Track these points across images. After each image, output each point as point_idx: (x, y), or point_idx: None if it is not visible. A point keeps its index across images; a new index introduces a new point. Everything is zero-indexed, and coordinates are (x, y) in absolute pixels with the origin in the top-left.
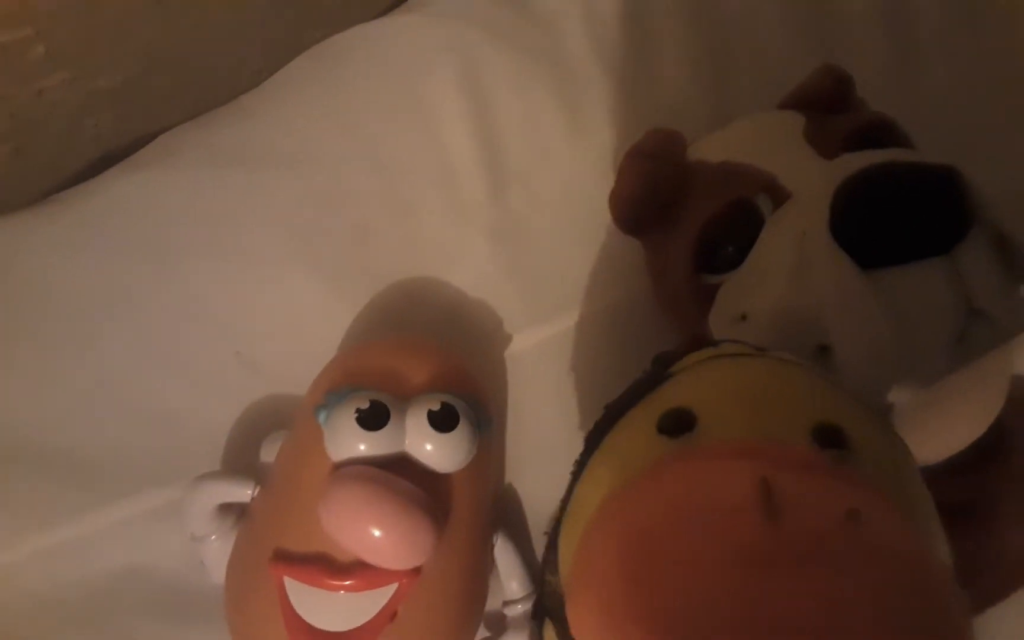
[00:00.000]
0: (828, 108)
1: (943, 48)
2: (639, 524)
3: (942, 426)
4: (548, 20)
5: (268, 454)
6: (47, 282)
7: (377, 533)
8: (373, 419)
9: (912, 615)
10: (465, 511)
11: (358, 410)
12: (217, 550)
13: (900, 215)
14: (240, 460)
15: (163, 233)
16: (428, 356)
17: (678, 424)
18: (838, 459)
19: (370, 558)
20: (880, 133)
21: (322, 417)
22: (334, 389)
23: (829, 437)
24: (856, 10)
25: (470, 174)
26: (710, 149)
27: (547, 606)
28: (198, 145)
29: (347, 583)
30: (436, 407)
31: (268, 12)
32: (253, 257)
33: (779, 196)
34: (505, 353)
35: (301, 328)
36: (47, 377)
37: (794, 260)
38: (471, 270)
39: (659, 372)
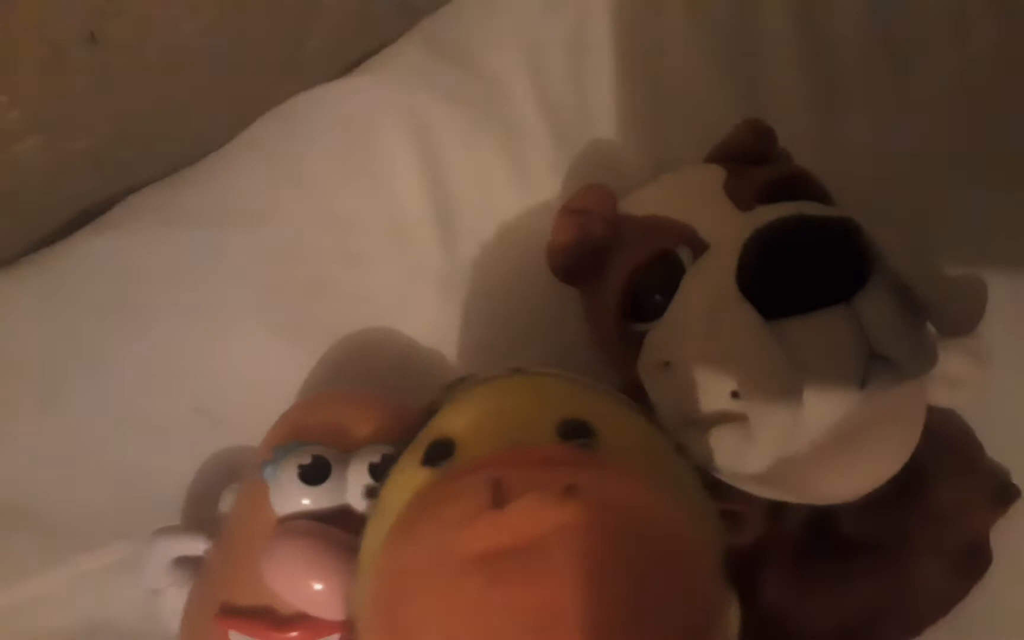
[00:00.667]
0: (751, 160)
1: (866, 98)
2: (398, 558)
3: (857, 465)
4: (495, 80)
5: (226, 505)
6: (16, 341)
7: (317, 586)
8: (315, 474)
9: (643, 564)
10: None
11: (300, 466)
12: (173, 603)
13: (803, 266)
14: (200, 512)
15: (129, 292)
16: (371, 408)
17: (439, 453)
18: (583, 446)
19: (311, 611)
20: (795, 185)
21: (267, 472)
22: (280, 444)
23: (574, 430)
24: (782, 61)
25: (421, 228)
26: (638, 203)
27: None
28: (163, 206)
29: (291, 635)
30: (377, 459)
31: (238, 72)
32: (214, 313)
33: (698, 248)
34: None
35: (259, 381)
36: (11, 434)
37: (707, 311)
38: (422, 320)
39: (430, 409)
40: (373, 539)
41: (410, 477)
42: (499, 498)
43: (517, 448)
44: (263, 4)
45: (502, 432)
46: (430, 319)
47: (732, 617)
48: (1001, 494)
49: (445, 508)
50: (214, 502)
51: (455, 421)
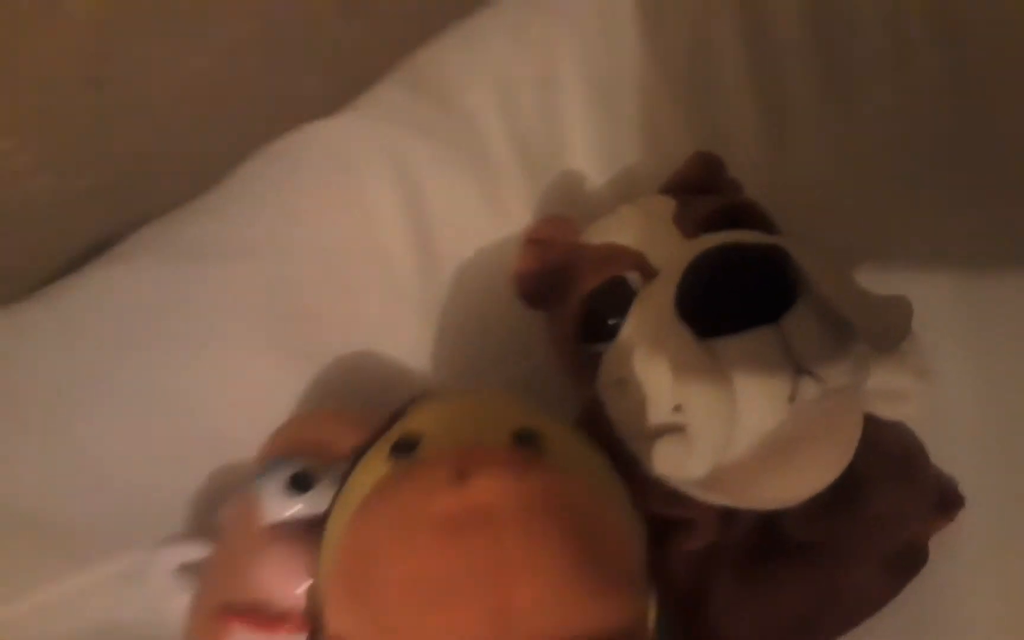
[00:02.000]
0: (702, 190)
1: (813, 128)
2: (364, 525)
3: (794, 473)
4: (468, 116)
5: (225, 516)
6: (33, 368)
7: (302, 587)
8: (301, 484)
9: (580, 537)
10: None
11: (288, 476)
12: (179, 606)
13: (733, 290)
14: (201, 523)
15: (134, 321)
16: (356, 426)
17: (405, 446)
18: (532, 453)
19: (300, 607)
20: (738, 214)
21: (259, 483)
22: (270, 458)
23: (526, 438)
24: (734, 94)
25: (402, 257)
26: (596, 232)
27: (313, 622)
28: (163, 241)
29: (283, 628)
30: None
31: (238, 109)
32: (213, 341)
33: (648, 273)
34: None
35: (255, 402)
36: (30, 453)
37: (651, 332)
38: (403, 343)
39: (396, 414)
40: (337, 522)
41: (376, 466)
42: (461, 475)
43: (476, 447)
44: (259, 45)
45: (464, 432)
46: (410, 342)
47: (652, 609)
48: (944, 503)
49: (410, 484)
50: (214, 513)
51: (421, 420)
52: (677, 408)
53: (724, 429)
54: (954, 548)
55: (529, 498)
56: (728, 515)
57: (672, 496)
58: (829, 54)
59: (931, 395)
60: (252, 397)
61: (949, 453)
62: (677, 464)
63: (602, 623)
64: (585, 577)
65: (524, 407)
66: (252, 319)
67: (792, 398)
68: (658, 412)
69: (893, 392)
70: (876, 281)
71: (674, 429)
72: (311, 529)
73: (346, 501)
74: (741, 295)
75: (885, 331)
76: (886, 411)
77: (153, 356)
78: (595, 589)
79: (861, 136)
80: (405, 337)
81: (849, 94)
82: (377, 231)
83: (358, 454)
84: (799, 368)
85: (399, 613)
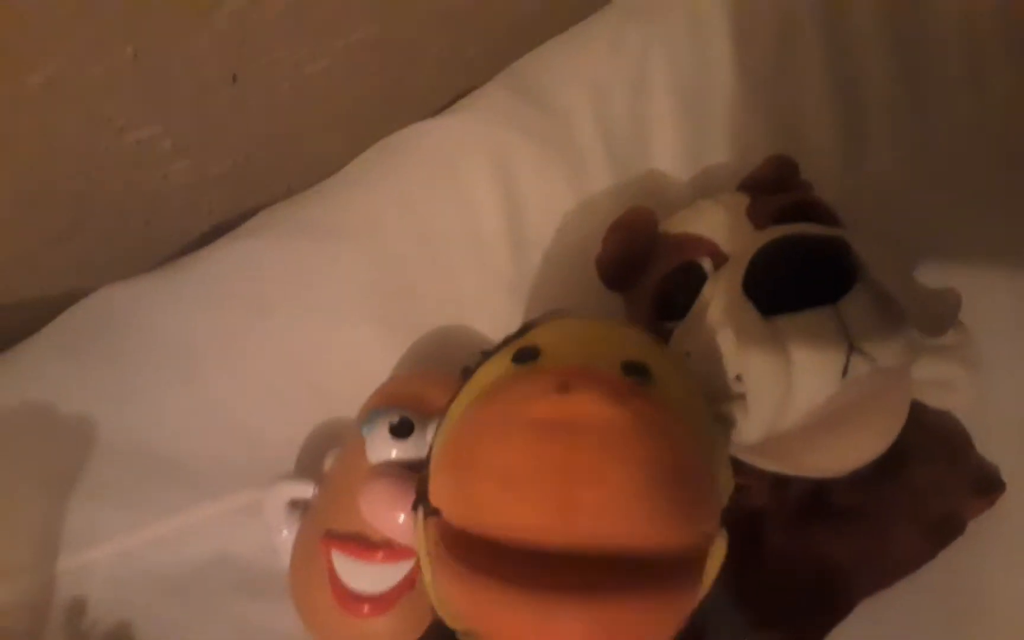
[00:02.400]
0: (775, 190)
1: (889, 135)
2: (475, 413)
3: (842, 444)
4: (563, 115)
5: (329, 464)
6: (168, 329)
7: (400, 518)
8: (402, 430)
9: (667, 471)
10: None
11: (390, 424)
12: (287, 538)
13: (796, 274)
14: (310, 468)
15: (260, 289)
16: (448, 384)
17: (526, 355)
18: (639, 382)
19: (396, 537)
20: (806, 210)
21: (364, 430)
22: (374, 409)
23: (635, 369)
24: (813, 104)
25: (496, 243)
26: (675, 223)
27: (419, 492)
28: (288, 220)
29: (379, 555)
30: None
31: (353, 107)
32: (326, 310)
33: (719, 259)
34: None
35: (360, 364)
36: (161, 397)
37: (719, 309)
38: (493, 321)
39: (526, 326)
40: (458, 405)
41: (499, 366)
42: (563, 388)
43: (587, 367)
44: (373, 50)
45: (579, 353)
46: (500, 320)
47: (717, 556)
48: (984, 485)
49: (519, 386)
50: (321, 460)
51: (544, 336)
52: (738, 378)
53: (779, 398)
54: (995, 532)
55: (619, 419)
56: (780, 482)
57: (733, 464)
58: (908, 69)
59: (978, 387)
60: (357, 360)
61: (994, 444)
62: (735, 429)
63: (662, 542)
64: (654, 497)
65: (642, 339)
66: (360, 292)
67: (844, 373)
68: (722, 382)
69: (942, 381)
70: (934, 279)
71: (735, 397)
72: (409, 471)
73: (467, 391)
74: (804, 279)
75: (934, 319)
76: (935, 399)
77: (273, 320)
78: (662, 510)
79: (935, 148)
80: (494, 314)
81: (925, 108)
82: (474, 218)
83: (487, 354)
84: (852, 346)
85: (484, 492)
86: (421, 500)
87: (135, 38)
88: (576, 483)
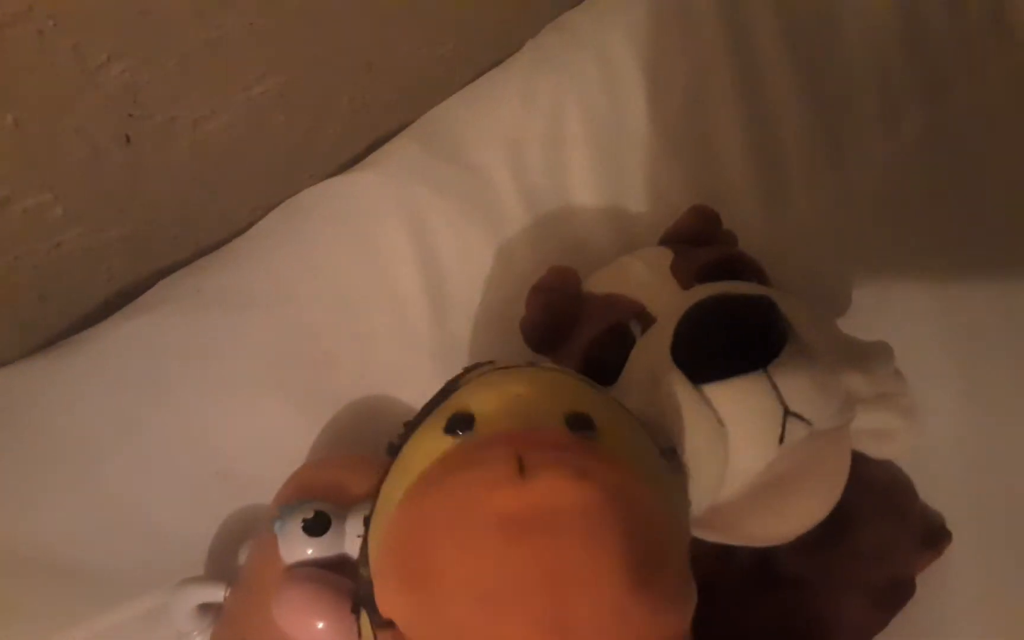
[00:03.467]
0: (698, 242)
1: (807, 183)
2: (423, 509)
3: (785, 510)
4: (479, 171)
5: (244, 557)
6: (62, 414)
7: (320, 625)
8: (317, 527)
9: (638, 543)
10: None
11: (304, 520)
12: None
13: (725, 338)
14: (220, 564)
15: (158, 369)
16: (368, 470)
17: (460, 424)
18: (586, 438)
19: None
20: (731, 265)
21: (276, 526)
22: (287, 502)
23: (580, 422)
24: (731, 152)
25: (416, 306)
26: (598, 282)
27: (362, 596)
28: (188, 291)
29: None
30: (372, 506)
31: (262, 163)
32: (234, 387)
33: (647, 321)
34: None
35: (273, 446)
36: (57, 496)
37: (647, 377)
38: (417, 389)
39: (448, 388)
40: (391, 491)
41: (432, 441)
42: (522, 470)
43: (531, 430)
44: (277, 102)
45: (518, 414)
46: (422, 387)
47: (692, 605)
48: (931, 538)
49: (471, 471)
50: (234, 554)
51: (474, 399)
52: (672, 450)
53: (717, 470)
54: (942, 582)
55: (590, 501)
56: (724, 552)
57: None
58: (821, 111)
59: (917, 434)
60: (270, 440)
61: (936, 489)
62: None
63: (659, 635)
64: (643, 588)
65: (577, 385)
66: (270, 365)
67: (782, 439)
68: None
69: (881, 431)
70: (866, 326)
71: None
72: (326, 571)
73: (399, 473)
74: (732, 343)
75: (868, 374)
76: (874, 449)
77: (176, 402)
78: (653, 602)
79: (855, 188)
80: (418, 382)
81: (839, 150)
82: (391, 280)
83: (412, 425)
84: (788, 411)
85: (458, 611)
86: (365, 604)
87: (14, 106)
88: (566, 592)
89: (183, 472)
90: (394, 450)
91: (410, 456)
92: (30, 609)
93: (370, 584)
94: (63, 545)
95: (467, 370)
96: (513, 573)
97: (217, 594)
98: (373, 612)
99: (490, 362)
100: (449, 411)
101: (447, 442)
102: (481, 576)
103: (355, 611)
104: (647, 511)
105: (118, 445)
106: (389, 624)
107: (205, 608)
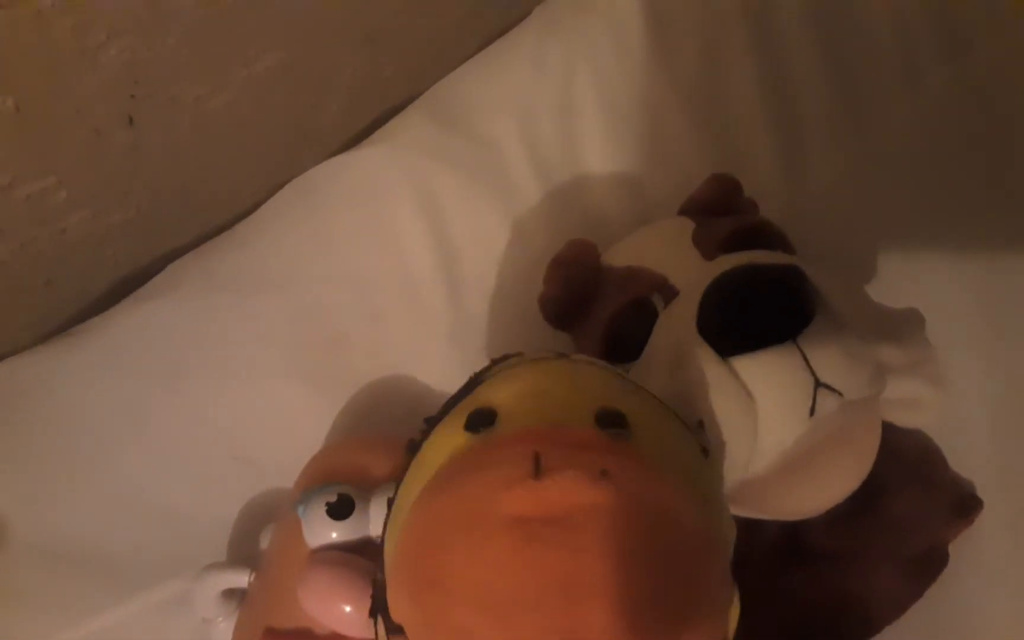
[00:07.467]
0: (719, 211)
1: (827, 144)
2: (434, 510)
3: (815, 484)
4: (491, 144)
5: (267, 542)
6: (75, 402)
7: (346, 608)
8: (340, 510)
9: (663, 553)
10: None
11: (328, 503)
12: (223, 631)
13: (753, 309)
14: (243, 549)
15: (170, 355)
16: (389, 451)
17: (481, 420)
18: (616, 436)
19: (341, 630)
20: (755, 234)
21: (300, 511)
22: (309, 486)
23: (611, 419)
24: (749, 117)
25: (429, 285)
26: (618, 255)
27: (377, 599)
28: (199, 274)
29: None
30: (394, 495)
31: (265, 141)
32: (247, 370)
33: (669, 294)
34: None
35: (290, 429)
36: (74, 486)
37: (673, 351)
38: (432, 369)
39: (473, 381)
40: (409, 491)
41: (451, 438)
42: (538, 470)
43: (557, 428)
44: (280, 79)
45: (543, 411)
46: (439, 368)
47: (734, 613)
48: (962, 506)
49: (485, 471)
50: (255, 539)
51: (498, 393)
52: (700, 424)
53: (746, 444)
54: (974, 551)
55: (608, 504)
56: (752, 526)
57: None
58: (840, 73)
59: (947, 402)
60: (286, 424)
61: (967, 458)
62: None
63: None
64: (664, 604)
65: (609, 379)
66: (284, 348)
67: (812, 412)
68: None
69: (910, 401)
70: (893, 293)
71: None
72: (351, 554)
73: (417, 471)
74: (760, 314)
75: (899, 343)
76: (904, 419)
77: (190, 387)
78: (674, 618)
79: (875, 154)
80: (433, 361)
81: (860, 112)
82: (404, 258)
83: (433, 421)
84: (818, 382)
85: (463, 620)
86: (380, 609)
87: (14, 89)
88: (579, 601)
89: (201, 458)
90: (415, 447)
91: (429, 454)
92: (53, 599)
93: (383, 588)
94: (84, 534)
95: (494, 362)
96: (522, 579)
97: (242, 579)
98: (387, 617)
99: (519, 353)
100: (471, 406)
101: (467, 439)
102: (489, 582)
103: (372, 615)
104: (675, 516)
105: (134, 433)
106: (400, 630)
107: (230, 593)
